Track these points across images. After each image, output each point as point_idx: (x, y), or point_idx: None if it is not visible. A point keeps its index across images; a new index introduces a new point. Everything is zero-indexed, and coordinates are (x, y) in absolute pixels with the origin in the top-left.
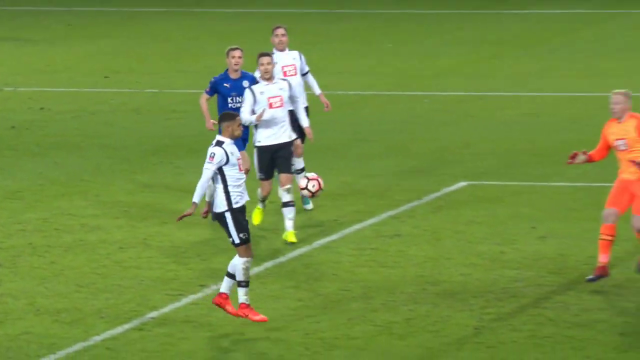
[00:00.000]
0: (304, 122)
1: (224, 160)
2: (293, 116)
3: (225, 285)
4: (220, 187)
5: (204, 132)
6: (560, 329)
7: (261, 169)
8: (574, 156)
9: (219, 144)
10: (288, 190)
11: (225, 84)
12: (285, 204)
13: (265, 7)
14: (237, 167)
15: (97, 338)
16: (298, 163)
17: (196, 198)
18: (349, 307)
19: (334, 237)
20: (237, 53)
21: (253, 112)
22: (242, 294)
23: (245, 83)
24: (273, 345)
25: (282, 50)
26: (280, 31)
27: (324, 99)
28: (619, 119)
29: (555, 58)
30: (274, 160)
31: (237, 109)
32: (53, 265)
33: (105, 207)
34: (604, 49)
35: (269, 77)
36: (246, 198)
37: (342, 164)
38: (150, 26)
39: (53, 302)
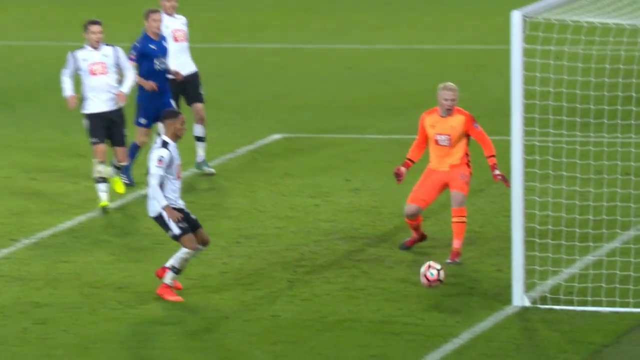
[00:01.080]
0: (124, 87)
1: (169, 163)
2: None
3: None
4: None
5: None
6: (373, 281)
7: (93, 133)
8: (399, 174)
9: (165, 145)
10: (120, 168)
11: (150, 45)
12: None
13: None
14: (175, 173)
15: None
16: (198, 131)
17: (162, 202)
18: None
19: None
20: (156, 16)
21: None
22: (169, 277)
23: (165, 43)
24: (85, 299)
25: (171, 14)
26: None
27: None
28: (447, 115)
29: (366, 11)
30: (108, 129)
31: (163, 71)
32: None
33: None
34: (412, 2)
35: (97, 46)
36: (181, 204)
37: None
38: None
39: None
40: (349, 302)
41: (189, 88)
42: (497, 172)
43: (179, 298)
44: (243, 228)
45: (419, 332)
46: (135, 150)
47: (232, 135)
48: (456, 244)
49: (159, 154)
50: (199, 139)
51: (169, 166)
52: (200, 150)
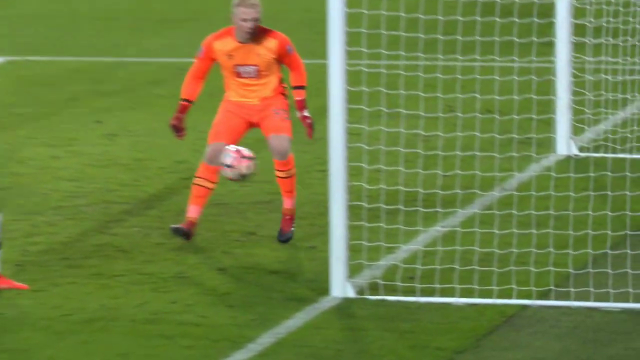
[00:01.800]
0: None
1: None
2: None
3: None
4: None
5: None
6: (136, 264)
7: None
8: (179, 127)
9: None
10: None
11: None
12: None
13: None
14: None
15: None
16: None
17: None
18: None
19: None
20: None
21: None
22: None
23: None
24: None
25: None
26: None
27: None
28: (249, 40)
29: None
30: None
31: None
32: None
33: None
34: None
35: None
36: None
37: None
38: None
39: None
40: (101, 294)
41: None
42: (306, 113)
43: None
44: None
45: (201, 334)
46: None
47: None
48: (287, 203)
49: None
50: None
51: None
52: None
